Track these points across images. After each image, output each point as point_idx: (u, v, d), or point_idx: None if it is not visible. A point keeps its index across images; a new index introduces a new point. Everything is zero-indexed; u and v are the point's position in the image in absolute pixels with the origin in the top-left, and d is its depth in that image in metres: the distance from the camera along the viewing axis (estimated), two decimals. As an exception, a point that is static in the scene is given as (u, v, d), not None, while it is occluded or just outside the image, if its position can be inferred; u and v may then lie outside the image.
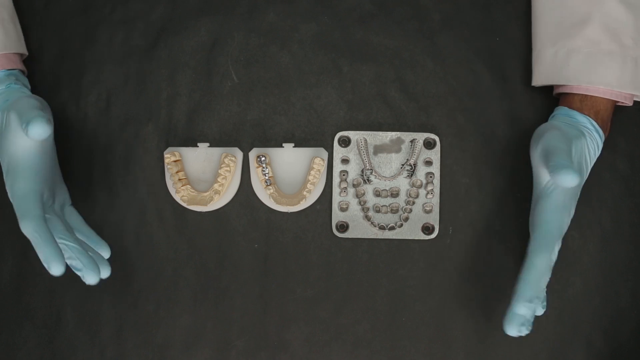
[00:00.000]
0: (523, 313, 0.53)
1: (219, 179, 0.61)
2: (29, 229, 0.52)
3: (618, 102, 0.59)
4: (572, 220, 0.62)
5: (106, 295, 0.62)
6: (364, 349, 0.62)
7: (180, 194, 0.61)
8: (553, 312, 0.61)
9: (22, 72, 0.61)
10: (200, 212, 0.63)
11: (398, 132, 0.63)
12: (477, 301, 0.62)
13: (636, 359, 0.61)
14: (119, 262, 0.62)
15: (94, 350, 0.62)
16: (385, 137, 0.63)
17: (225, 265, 0.62)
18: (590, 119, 0.57)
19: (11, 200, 0.54)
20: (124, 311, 0.62)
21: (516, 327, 0.53)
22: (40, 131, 0.52)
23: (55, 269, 0.52)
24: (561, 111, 0.59)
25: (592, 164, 0.58)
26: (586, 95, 0.58)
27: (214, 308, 0.62)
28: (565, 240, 0.62)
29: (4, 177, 0.55)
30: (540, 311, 0.54)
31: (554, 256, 0.54)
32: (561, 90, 0.60)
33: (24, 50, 0.62)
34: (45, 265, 0.52)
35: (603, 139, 0.58)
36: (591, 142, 0.57)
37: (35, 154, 0.55)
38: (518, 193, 0.62)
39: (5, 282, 0.62)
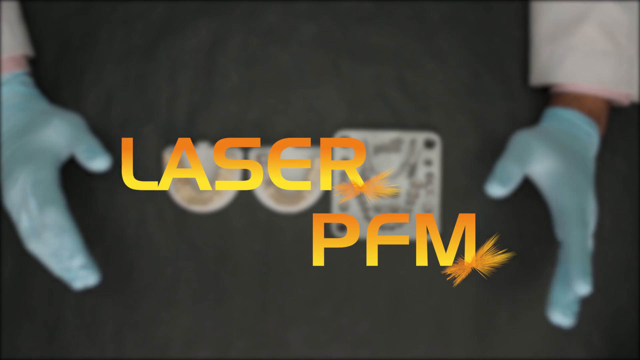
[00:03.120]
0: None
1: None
2: (58, 214, 0.53)
3: (614, 101, 0.60)
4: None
5: (106, 295, 0.62)
6: (364, 349, 0.62)
7: (180, 194, 0.61)
8: (553, 312, 0.61)
9: (28, 73, 0.61)
10: (200, 212, 0.63)
11: (398, 132, 0.63)
12: (477, 301, 0.62)
13: (636, 359, 0.61)
14: (119, 262, 0.62)
15: (94, 350, 0.62)
16: (385, 137, 0.63)
17: (225, 265, 0.62)
18: (576, 111, 0.58)
19: (30, 188, 0.53)
20: (124, 311, 0.62)
21: (560, 310, 0.53)
22: (104, 165, 0.56)
23: (81, 258, 0.53)
24: (548, 113, 0.60)
25: (594, 154, 0.58)
26: (579, 95, 0.58)
27: (214, 308, 0.62)
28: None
29: (16, 168, 0.55)
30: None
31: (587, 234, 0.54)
32: (556, 89, 0.60)
33: (30, 51, 0.62)
34: (70, 256, 0.53)
35: (597, 132, 0.58)
36: (584, 136, 0.58)
37: (61, 149, 0.57)
38: (518, 192, 0.62)
39: (5, 282, 0.62)
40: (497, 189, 0.53)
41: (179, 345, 0.62)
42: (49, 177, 0.54)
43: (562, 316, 0.53)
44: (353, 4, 0.64)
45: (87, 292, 0.62)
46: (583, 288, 0.51)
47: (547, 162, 0.56)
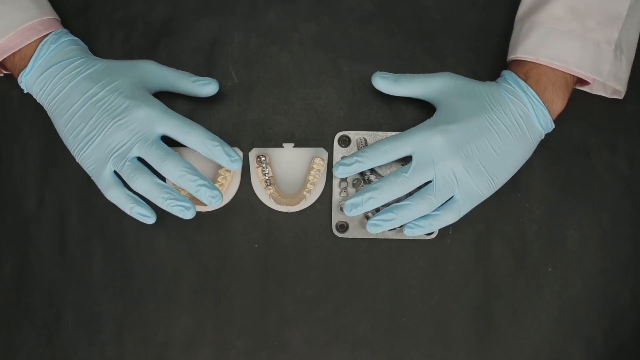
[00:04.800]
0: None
1: (219, 179, 0.61)
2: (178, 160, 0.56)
3: (581, 84, 0.60)
4: (572, 221, 0.62)
5: (106, 295, 0.62)
6: (364, 349, 0.62)
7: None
8: (553, 312, 0.61)
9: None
10: (201, 212, 0.63)
11: (398, 132, 0.63)
12: (477, 301, 0.62)
13: (636, 359, 0.61)
14: (119, 262, 0.62)
15: (94, 350, 0.62)
16: (385, 137, 0.63)
17: (225, 265, 0.62)
18: (521, 81, 0.57)
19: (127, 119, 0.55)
20: (124, 311, 0.62)
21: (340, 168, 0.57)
22: (215, 90, 0.60)
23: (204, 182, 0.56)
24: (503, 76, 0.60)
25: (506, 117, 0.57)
26: (524, 62, 0.58)
27: (214, 308, 0.62)
28: (565, 240, 0.62)
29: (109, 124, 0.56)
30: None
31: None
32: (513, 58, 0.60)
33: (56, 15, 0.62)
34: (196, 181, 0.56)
35: (531, 95, 0.57)
36: (511, 102, 0.57)
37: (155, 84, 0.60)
38: (518, 193, 0.62)
39: (5, 282, 0.62)
40: (378, 80, 0.59)
41: (179, 345, 0.62)
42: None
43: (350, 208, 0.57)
44: (353, 4, 0.64)
45: (87, 292, 0.62)
46: None
47: (440, 88, 0.58)
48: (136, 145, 0.56)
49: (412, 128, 0.57)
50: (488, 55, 0.64)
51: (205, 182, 0.56)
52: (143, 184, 0.55)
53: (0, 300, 0.62)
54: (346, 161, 0.57)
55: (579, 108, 0.61)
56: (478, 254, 0.62)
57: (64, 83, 0.57)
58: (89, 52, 0.61)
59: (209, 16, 0.64)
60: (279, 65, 0.64)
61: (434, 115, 0.59)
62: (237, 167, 0.57)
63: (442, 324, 0.62)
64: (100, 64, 0.58)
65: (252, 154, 0.62)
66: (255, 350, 0.62)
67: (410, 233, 0.57)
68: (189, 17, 0.64)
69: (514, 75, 0.58)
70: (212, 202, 0.56)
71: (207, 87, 0.60)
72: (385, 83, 0.59)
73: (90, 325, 0.62)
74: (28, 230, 0.63)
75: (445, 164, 0.55)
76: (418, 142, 0.56)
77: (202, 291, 0.62)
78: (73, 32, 0.64)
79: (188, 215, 0.56)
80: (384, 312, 0.62)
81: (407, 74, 0.59)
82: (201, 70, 0.64)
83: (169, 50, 0.64)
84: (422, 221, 0.57)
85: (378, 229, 0.57)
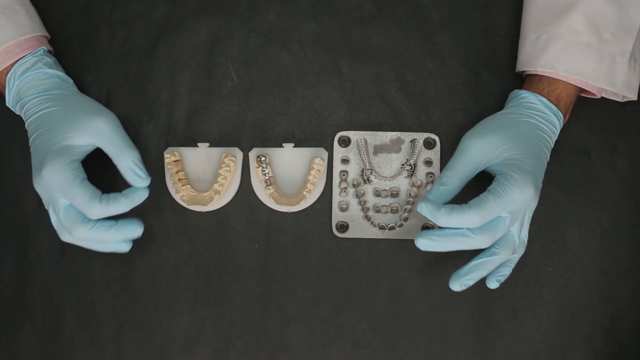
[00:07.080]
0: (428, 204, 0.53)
1: (219, 179, 0.61)
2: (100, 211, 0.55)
3: (585, 92, 0.60)
4: (572, 221, 0.62)
5: (106, 295, 0.62)
6: (364, 349, 0.62)
7: (180, 194, 0.61)
8: (553, 312, 0.61)
9: (49, 51, 0.62)
10: (200, 212, 0.63)
11: (398, 132, 0.63)
12: (477, 301, 0.62)
13: (636, 359, 0.61)
14: (119, 262, 0.62)
15: (94, 350, 0.62)
16: (385, 137, 0.63)
17: (225, 265, 0.62)
18: (544, 98, 0.58)
19: (62, 191, 0.55)
20: (124, 311, 0.62)
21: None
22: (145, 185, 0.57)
23: (140, 227, 0.57)
24: (516, 95, 0.59)
25: (551, 143, 0.58)
26: (552, 80, 0.58)
27: (214, 308, 0.62)
28: (565, 240, 0.62)
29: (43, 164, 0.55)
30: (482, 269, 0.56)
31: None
32: (531, 72, 0.60)
33: (46, 32, 0.62)
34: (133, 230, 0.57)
35: (561, 120, 0.58)
36: (546, 124, 0.57)
37: (90, 147, 0.58)
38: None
39: (5, 282, 0.62)
40: (426, 212, 0.54)
41: (179, 346, 0.62)
42: (79, 177, 0.55)
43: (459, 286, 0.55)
44: (353, 4, 0.64)
45: (87, 292, 0.62)
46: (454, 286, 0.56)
47: (495, 154, 0.55)
48: (61, 197, 0.55)
49: (504, 183, 0.54)
50: (488, 55, 0.64)
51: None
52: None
53: (0, 300, 0.62)
54: (450, 212, 0.53)
55: (579, 108, 0.61)
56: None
57: (25, 120, 0.58)
58: (60, 73, 0.60)
59: (209, 16, 0.64)
60: (278, 65, 0.64)
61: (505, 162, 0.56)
62: (144, 184, 0.56)
63: (442, 324, 0.62)
64: (58, 108, 0.57)
65: (252, 154, 0.62)
66: (255, 350, 0.62)
67: (497, 285, 0.57)
68: (189, 17, 0.64)
69: (558, 112, 0.58)
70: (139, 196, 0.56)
71: (137, 193, 0.56)
72: (437, 215, 0.53)
73: (90, 325, 0.62)
74: (28, 230, 0.63)
75: (531, 209, 0.55)
76: (516, 201, 0.54)
77: (202, 291, 0.62)
78: (73, 32, 0.64)
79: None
80: (384, 312, 0.62)
81: (447, 177, 0.55)
82: (201, 70, 0.64)
83: (169, 50, 0.64)
84: (503, 269, 0.57)
85: (464, 287, 0.56)
